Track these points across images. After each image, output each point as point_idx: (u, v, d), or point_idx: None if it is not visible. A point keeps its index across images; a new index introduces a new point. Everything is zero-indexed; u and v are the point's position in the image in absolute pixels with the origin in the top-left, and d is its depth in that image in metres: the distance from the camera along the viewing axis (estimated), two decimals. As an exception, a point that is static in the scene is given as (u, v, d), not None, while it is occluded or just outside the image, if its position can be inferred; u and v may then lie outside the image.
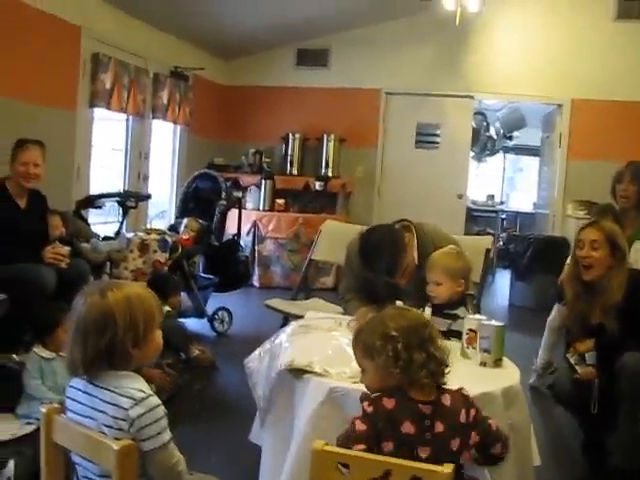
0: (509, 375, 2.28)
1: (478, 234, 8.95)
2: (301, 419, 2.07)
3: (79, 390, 1.64)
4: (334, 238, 4.08)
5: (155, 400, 1.59)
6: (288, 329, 2.63)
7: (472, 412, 1.68)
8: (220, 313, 5.24)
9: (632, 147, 6.82)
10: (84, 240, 4.48)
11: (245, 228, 6.92)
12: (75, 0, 5.55)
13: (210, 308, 5.24)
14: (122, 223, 5.13)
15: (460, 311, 2.60)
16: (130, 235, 4.89)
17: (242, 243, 6.07)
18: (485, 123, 10.84)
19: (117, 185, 6.44)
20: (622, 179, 4.03)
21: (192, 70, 7.34)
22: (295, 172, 8.09)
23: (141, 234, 4.94)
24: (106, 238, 4.81)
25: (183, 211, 5.66)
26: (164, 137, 7.35)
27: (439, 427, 1.62)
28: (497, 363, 2.31)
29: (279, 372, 2.20)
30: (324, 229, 4.34)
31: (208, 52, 7.89)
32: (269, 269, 7.29)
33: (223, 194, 5.51)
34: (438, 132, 8.12)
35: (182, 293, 4.66)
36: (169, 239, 4.88)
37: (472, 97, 8.06)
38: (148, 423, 1.55)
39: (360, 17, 7.70)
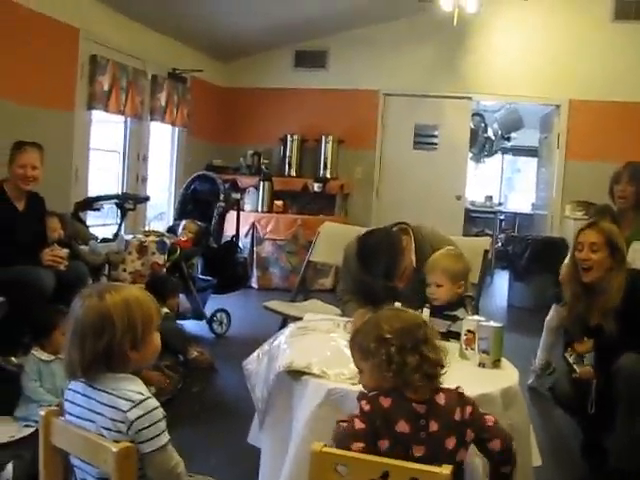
0: (508, 376, 2.27)
1: (477, 235, 8.98)
2: (299, 421, 2.07)
3: (77, 393, 1.64)
4: (332, 239, 4.08)
5: (153, 402, 1.59)
6: (287, 331, 2.63)
7: (468, 409, 1.67)
8: (219, 315, 5.24)
9: (630, 148, 6.82)
10: (82, 242, 4.47)
11: (243, 230, 6.92)
12: (73, 2, 5.55)
13: (209, 310, 5.24)
14: (120, 225, 5.13)
15: (459, 312, 2.60)
16: (128, 237, 4.89)
17: (240, 245, 6.08)
18: (483, 124, 10.86)
19: (115, 187, 6.44)
20: (620, 180, 4.03)
21: (190, 72, 7.35)
22: (293, 173, 8.10)
23: (139, 236, 4.94)
24: (104, 240, 4.80)
25: (181, 213, 5.67)
26: (162, 139, 7.35)
27: (433, 426, 1.63)
28: (496, 364, 2.31)
29: (278, 374, 2.20)
30: (322, 230, 4.34)
31: (206, 54, 7.89)
32: (267, 271, 7.29)
33: (221, 196, 5.52)
34: (436, 133, 8.13)
35: (181, 295, 4.66)
36: (167, 241, 4.88)
37: (470, 98, 8.07)
38: (147, 425, 1.55)
39: (358, 18, 7.71)
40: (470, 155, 9.70)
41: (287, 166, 8.12)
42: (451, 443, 1.64)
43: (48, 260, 3.79)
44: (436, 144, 8.14)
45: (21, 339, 3.43)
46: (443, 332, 2.43)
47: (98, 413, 1.58)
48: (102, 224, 5.74)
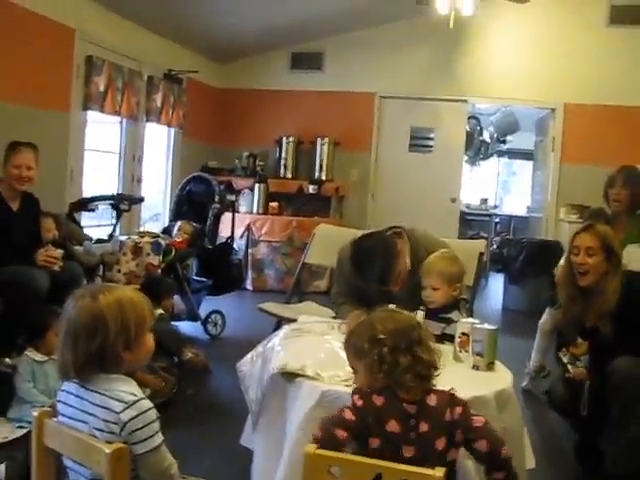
0: (502, 378, 2.28)
1: (472, 238, 9.00)
2: (293, 423, 2.07)
3: (71, 393, 1.64)
4: (327, 242, 4.08)
5: (147, 403, 1.59)
6: (281, 333, 2.63)
7: (457, 410, 1.67)
8: (213, 316, 5.24)
9: (624, 151, 6.84)
10: (77, 243, 4.46)
11: (239, 231, 6.91)
12: (69, 2, 5.54)
13: (203, 311, 5.23)
14: (115, 226, 5.11)
15: (454, 315, 2.61)
16: (123, 238, 4.89)
17: (235, 246, 6.08)
18: (479, 127, 10.89)
19: (110, 188, 6.43)
20: (614, 183, 4.05)
21: (186, 73, 7.34)
22: (289, 175, 8.09)
23: (134, 237, 4.95)
24: (99, 241, 4.80)
25: (177, 214, 5.66)
26: (158, 140, 7.34)
27: (423, 427, 1.64)
28: (490, 366, 2.32)
29: (272, 375, 2.20)
30: (318, 232, 4.34)
31: (202, 55, 7.89)
32: (262, 272, 7.29)
33: (217, 197, 5.51)
34: (432, 136, 8.14)
35: (175, 296, 4.65)
36: (162, 242, 4.87)
37: (466, 101, 8.09)
38: (140, 426, 1.55)
39: (354, 20, 7.71)
40: (466, 158, 9.72)
41: (282, 168, 8.11)
42: (441, 444, 1.64)
43: (42, 260, 3.78)
44: (432, 147, 8.15)
45: (15, 340, 3.41)
46: (437, 334, 2.43)
47: (91, 414, 1.57)
48: (97, 225, 5.74)
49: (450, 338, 2.46)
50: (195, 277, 5.45)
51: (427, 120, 8.09)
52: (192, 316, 5.07)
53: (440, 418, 1.65)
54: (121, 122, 6.50)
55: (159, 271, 4.75)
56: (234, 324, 5.38)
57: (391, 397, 1.65)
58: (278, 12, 7.02)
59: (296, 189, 7.83)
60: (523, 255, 7.00)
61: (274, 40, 7.95)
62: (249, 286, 7.15)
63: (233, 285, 5.62)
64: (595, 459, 2.92)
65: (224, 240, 5.71)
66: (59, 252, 3.91)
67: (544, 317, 4.29)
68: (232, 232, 5.77)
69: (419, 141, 8.17)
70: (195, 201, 5.63)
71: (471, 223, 10.46)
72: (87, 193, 5.69)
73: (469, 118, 9.46)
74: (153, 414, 1.58)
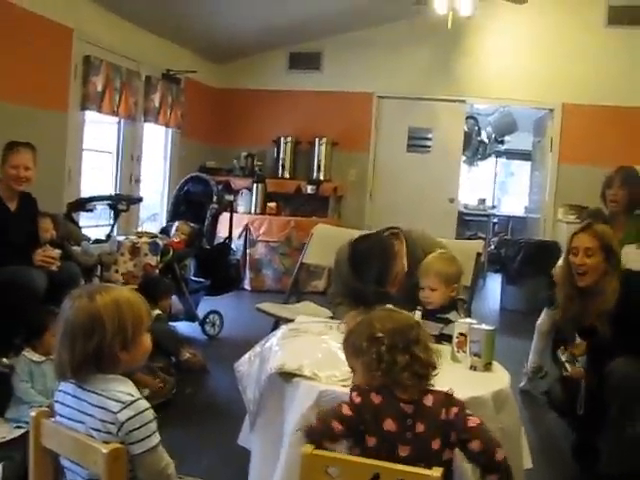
0: (499, 379, 2.28)
1: (470, 238, 9.00)
2: (290, 423, 2.07)
3: (68, 394, 1.63)
4: (325, 242, 4.08)
5: (144, 403, 1.59)
6: (279, 333, 2.63)
7: (453, 410, 1.67)
8: (211, 316, 5.24)
9: (622, 152, 6.85)
10: (75, 243, 4.46)
11: (236, 231, 6.91)
12: (67, 2, 5.54)
13: (201, 311, 5.23)
14: (113, 226, 5.11)
15: (452, 315, 2.61)
16: (121, 238, 4.88)
17: (233, 246, 6.07)
18: (477, 127, 10.89)
19: (108, 188, 6.43)
20: (612, 184, 4.06)
21: (184, 73, 7.33)
22: (287, 175, 8.09)
23: (132, 237, 4.94)
24: (97, 241, 4.79)
25: (174, 214, 5.65)
26: (156, 140, 7.34)
27: (420, 427, 1.64)
28: (487, 367, 2.31)
29: (269, 376, 2.20)
30: (316, 233, 4.34)
31: (200, 55, 7.89)
32: (260, 272, 7.28)
33: (214, 197, 5.51)
34: (430, 136, 8.14)
35: (173, 296, 4.65)
36: (160, 242, 4.87)
37: (464, 101, 8.09)
38: (137, 426, 1.55)
39: (353, 21, 7.72)
40: (464, 158, 9.72)
41: (281, 168, 8.11)
42: (437, 444, 1.64)
43: (40, 260, 3.78)
44: (430, 147, 8.16)
45: (12, 340, 3.41)
46: (435, 335, 2.43)
47: (88, 414, 1.57)
48: (95, 225, 5.73)
49: (448, 338, 2.47)
50: (193, 277, 5.45)
51: (425, 120, 8.10)
52: (190, 316, 5.07)
53: (436, 418, 1.65)
54: (119, 122, 6.50)
55: (157, 271, 4.74)
56: (232, 324, 5.38)
57: (389, 396, 1.66)
58: (278, 12, 7.02)
59: (294, 189, 7.83)
60: (521, 255, 7.01)
61: (272, 40, 7.95)
62: (247, 286, 7.15)
63: (231, 285, 5.62)
64: (592, 458, 2.92)
65: (222, 240, 5.71)
66: (57, 252, 3.91)
67: (542, 317, 4.29)
68: (230, 232, 5.77)
69: (417, 141, 8.17)
70: (193, 201, 5.63)
71: (469, 223, 10.46)
72: (85, 193, 5.69)
73: (467, 118, 9.46)
74: (150, 414, 1.58)
